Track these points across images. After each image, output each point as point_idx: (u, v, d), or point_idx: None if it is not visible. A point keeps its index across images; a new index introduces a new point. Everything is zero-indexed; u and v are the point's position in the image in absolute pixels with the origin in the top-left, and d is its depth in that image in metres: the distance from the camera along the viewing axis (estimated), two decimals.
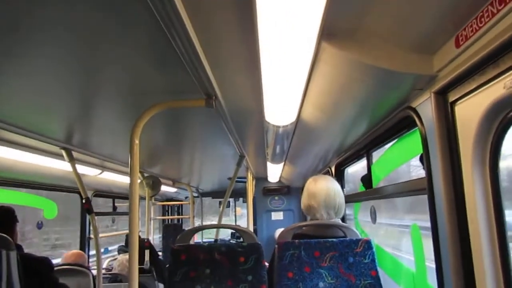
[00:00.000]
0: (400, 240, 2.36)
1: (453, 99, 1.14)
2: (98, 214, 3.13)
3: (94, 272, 2.93)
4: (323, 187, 1.87)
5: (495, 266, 1.01)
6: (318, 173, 3.59)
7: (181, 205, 7.95)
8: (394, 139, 1.83)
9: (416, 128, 1.37)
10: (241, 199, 8.49)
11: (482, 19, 0.92)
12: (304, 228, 1.89)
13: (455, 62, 1.07)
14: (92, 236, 3.63)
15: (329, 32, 1.13)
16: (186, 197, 7.43)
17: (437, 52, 1.15)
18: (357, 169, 2.90)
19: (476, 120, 1.03)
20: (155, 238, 6.43)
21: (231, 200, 8.42)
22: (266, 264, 1.96)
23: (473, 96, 1.05)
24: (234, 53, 1.31)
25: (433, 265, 1.27)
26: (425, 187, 1.29)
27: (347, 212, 2.98)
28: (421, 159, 1.35)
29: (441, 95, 1.19)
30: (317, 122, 2.05)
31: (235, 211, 9.23)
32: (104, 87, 1.57)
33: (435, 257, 1.24)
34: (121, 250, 4.20)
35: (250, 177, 4.06)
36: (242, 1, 0.96)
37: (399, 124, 1.58)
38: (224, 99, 1.69)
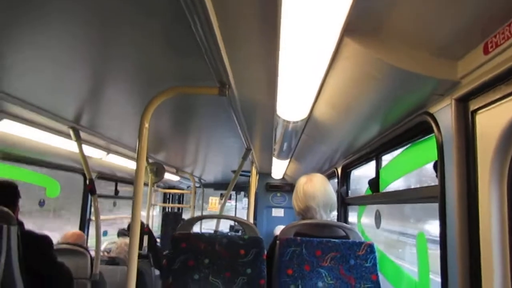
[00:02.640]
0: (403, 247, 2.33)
1: (475, 107, 1.10)
2: (100, 196, 3.13)
3: (92, 253, 2.93)
4: (321, 187, 1.87)
5: (505, 284, 0.98)
6: (323, 173, 3.56)
7: (183, 194, 7.96)
8: (407, 144, 1.79)
9: (431, 135, 1.34)
10: (242, 193, 8.48)
11: None
12: (304, 227, 1.86)
13: (481, 69, 1.04)
14: (93, 217, 3.64)
15: (353, 27, 1.10)
16: (188, 187, 7.44)
17: (462, 58, 1.11)
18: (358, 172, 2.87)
19: (498, 131, 0.99)
20: (155, 226, 6.44)
21: (233, 193, 8.41)
22: None
23: (496, 106, 1.01)
24: (253, 43, 1.28)
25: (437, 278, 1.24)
26: (437, 195, 1.26)
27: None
28: (434, 167, 1.32)
29: (463, 102, 1.15)
30: (329, 121, 2.02)
31: (235, 204, 9.17)
32: (118, 68, 1.55)
33: (441, 269, 1.21)
34: (120, 234, 4.21)
35: (254, 171, 4.04)
36: None
37: (414, 129, 1.54)
38: (237, 89, 1.67)
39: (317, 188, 1.87)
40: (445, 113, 1.22)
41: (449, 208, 1.19)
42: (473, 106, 1.11)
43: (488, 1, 0.91)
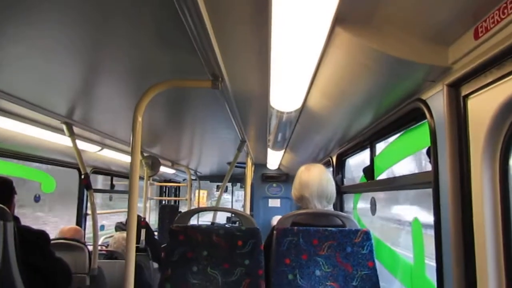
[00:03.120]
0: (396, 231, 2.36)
1: (466, 92, 1.11)
2: (96, 191, 3.12)
3: (90, 248, 2.94)
4: (315, 177, 1.87)
5: (498, 266, 0.99)
6: (318, 162, 3.58)
7: (179, 187, 7.97)
8: (400, 131, 1.80)
9: (424, 121, 1.35)
10: (238, 184, 8.51)
11: (506, 10, 0.89)
12: (301, 217, 1.87)
13: (472, 54, 1.04)
14: (89, 212, 3.64)
15: (344, 16, 1.10)
16: (184, 179, 7.44)
17: (453, 43, 1.12)
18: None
19: (489, 115, 1.00)
20: (152, 219, 6.46)
21: (229, 184, 8.43)
22: None
23: (488, 90, 1.02)
24: (244, 34, 1.28)
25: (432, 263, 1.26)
26: (431, 180, 1.27)
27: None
28: (428, 153, 1.33)
29: (454, 88, 1.16)
30: (323, 110, 2.03)
31: (231, 198, 9.19)
32: (110, 62, 1.54)
33: (436, 252, 1.23)
34: (118, 227, 4.22)
35: (249, 162, 4.05)
36: None
37: (407, 116, 1.55)
38: (230, 81, 1.67)
39: (312, 178, 1.87)
40: (437, 99, 1.23)
41: (443, 192, 1.20)
42: (464, 91, 1.12)
43: None
